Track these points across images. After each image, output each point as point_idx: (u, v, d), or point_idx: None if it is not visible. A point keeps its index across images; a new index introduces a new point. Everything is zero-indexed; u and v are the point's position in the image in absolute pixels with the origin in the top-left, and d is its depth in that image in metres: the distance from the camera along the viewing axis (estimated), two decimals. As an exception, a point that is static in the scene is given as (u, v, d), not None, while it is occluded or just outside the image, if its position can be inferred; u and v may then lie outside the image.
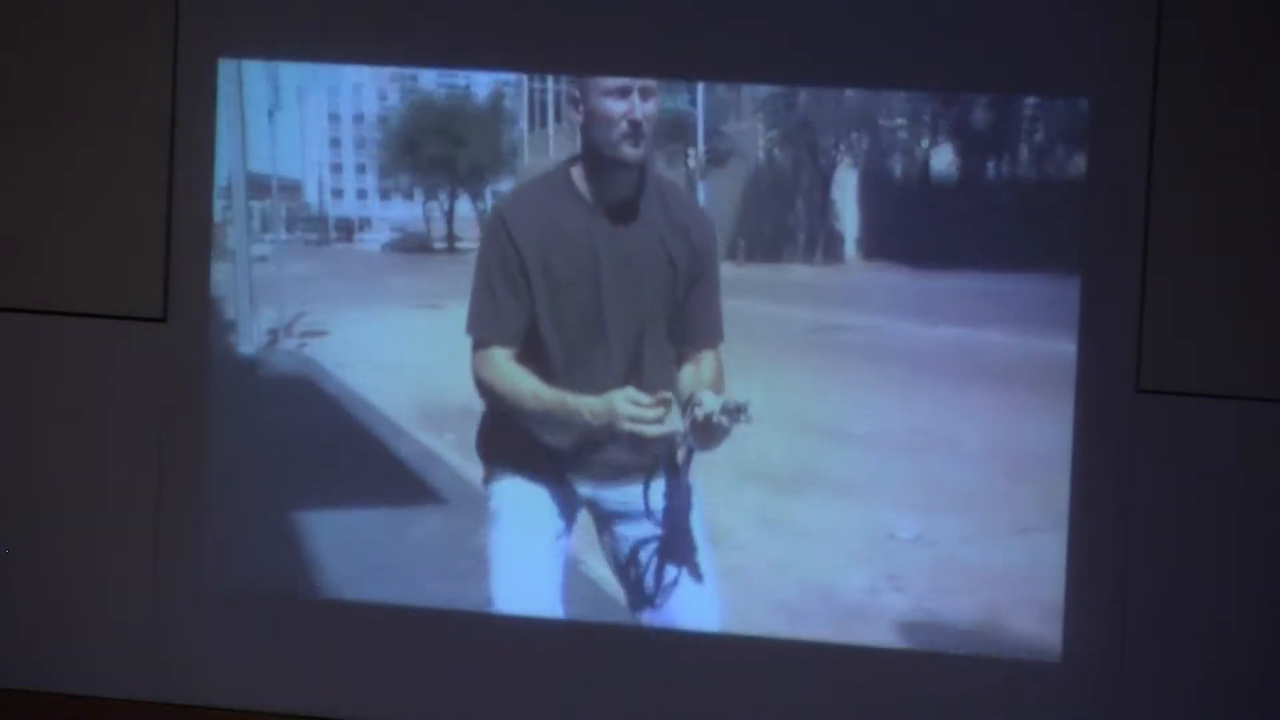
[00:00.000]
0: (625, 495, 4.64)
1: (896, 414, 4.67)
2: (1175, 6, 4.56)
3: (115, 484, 4.96)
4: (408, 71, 4.83)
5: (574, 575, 4.76)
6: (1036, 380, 4.62)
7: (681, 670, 4.77)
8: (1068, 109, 4.61)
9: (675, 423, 4.56)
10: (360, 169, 4.91)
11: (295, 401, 4.93)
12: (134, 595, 4.96)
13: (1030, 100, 4.63)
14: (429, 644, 4.87)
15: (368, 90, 4.88)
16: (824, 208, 4.73)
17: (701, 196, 4.76)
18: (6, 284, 4.98)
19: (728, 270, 4.67)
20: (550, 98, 4.76)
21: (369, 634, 4.89)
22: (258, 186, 4.91)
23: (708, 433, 4.51)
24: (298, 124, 4.90)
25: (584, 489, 4.66)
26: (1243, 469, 4.57)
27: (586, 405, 4.54)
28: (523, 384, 4.58)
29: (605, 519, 4.68)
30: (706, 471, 4.67)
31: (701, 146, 4.74)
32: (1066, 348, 4.59)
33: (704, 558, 4.68)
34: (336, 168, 4.92)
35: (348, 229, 4.93)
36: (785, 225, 4.74)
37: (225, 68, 4.87)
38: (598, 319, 4.58)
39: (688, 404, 4.53)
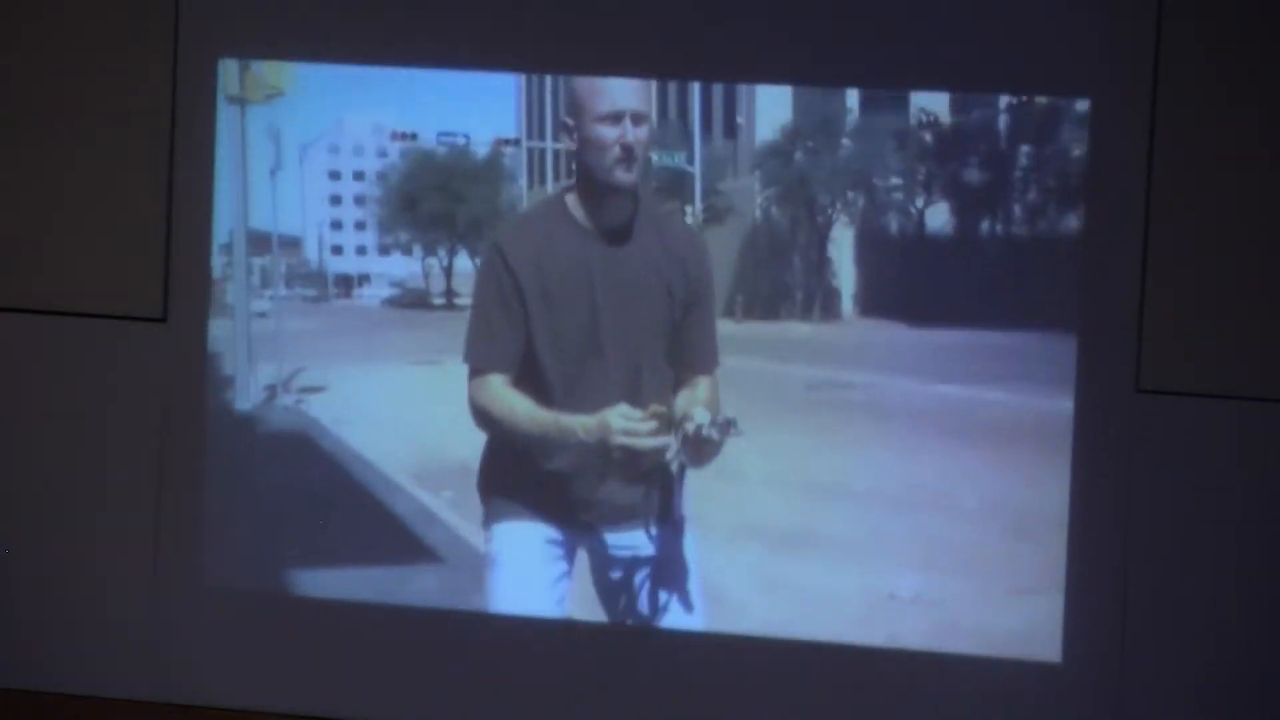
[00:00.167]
0: (625, 539, 4.63)
1: (896, 470, 4.67)
2: (1175, 6, 4.56)
3: (115, 484, 4.96)
4: (408, 129, 4.83)
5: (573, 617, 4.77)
6: (1034, 436, 4.62)
7: (681, 670, 4.78)
8: (1060, 160, 4.61)
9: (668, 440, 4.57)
10: (360, 226, 4.91)
11: (292, 458, 4.92)
12: (134, 595, 4.96)
13: (1024, 150, 4.64)
14: (429, 644, 4.87)
15: (368, 148, 4.89)
16: (821, 265, 4.74)
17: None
18: (6, 284, 4.99)
19: (725, 327, 4.67)
20: (549, 156, 4.76)
21: (369, 634, 4.89)
22: (258, 243, 4.92)
23: (698, 447, 4.51)
24: (298, 181, 4.91)
25: (584, 533, 4.65)
26: (1243, 469, 4.57)
27: (580, 423, 4.53)
28: (519, 407, 4.57)
29: (605, 563, 4.67)
30: (705, 530, 4.67)
31: (699, 204, 4.76)
32: (1064, 404, 4.59)
33: (694, 585, 4.69)
34: (337, 224, 4.92)
35: (347, 285, 4.93)
36: (783, 282, 4.75)
37: (228, 126, 4.87)
38: (595, 342, 4.58)
39: (679, 422, 4.54)
